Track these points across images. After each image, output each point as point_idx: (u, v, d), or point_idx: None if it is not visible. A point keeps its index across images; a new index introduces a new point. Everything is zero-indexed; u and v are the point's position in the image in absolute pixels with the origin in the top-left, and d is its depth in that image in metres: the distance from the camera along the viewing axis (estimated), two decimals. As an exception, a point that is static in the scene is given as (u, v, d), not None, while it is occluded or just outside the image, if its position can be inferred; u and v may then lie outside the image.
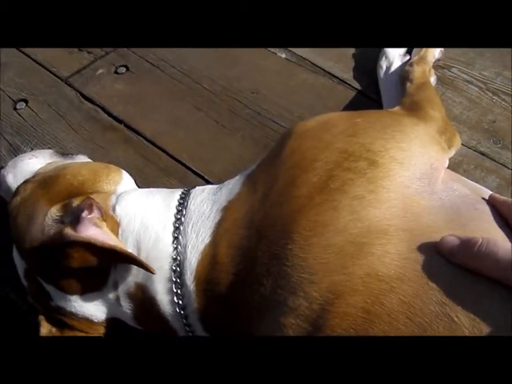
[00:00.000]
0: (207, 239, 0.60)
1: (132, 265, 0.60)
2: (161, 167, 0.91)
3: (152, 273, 0.58)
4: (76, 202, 0.63)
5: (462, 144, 0.87)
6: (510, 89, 0.95)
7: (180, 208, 0.63)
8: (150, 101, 1.01)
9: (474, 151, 0.88)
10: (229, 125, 0.95)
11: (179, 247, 0.60)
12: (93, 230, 0.58)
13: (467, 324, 0.46)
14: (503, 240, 0.51)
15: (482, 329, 0.46)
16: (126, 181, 0.71)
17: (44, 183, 0.68)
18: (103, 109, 1.00)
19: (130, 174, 0.75)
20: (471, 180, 0.65)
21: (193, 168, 0.90)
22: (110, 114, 0.99)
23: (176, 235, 0.61)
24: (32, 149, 0.85)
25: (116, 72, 1.06)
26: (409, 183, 0.56)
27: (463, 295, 0.48)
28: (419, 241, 0.51)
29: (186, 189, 0.67)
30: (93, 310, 0.65)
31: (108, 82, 1.04)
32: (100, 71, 1.07)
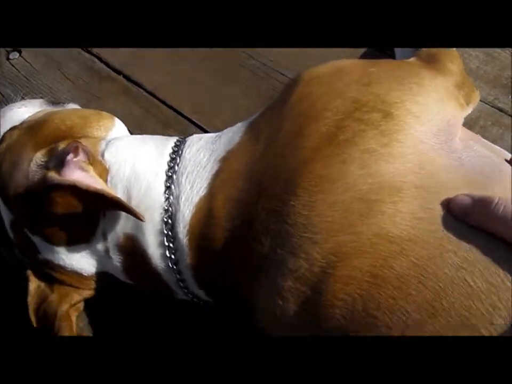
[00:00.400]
0: (202, 191, 0.56)
1: (121, 214, 0.57)
2: (161, 119, 0.87)
3: (141, 220, 0.55)
4: (61, 146, 0.59)
5: (480, 100, 0.82)
6: (530, 44, 0.90)
7: (174, 156, 0.60)
8: (151, 52, 0.95)
9: (492, 107, 0.83)
10: (233, 77, 0.91)
11: (171, 197, 0.57)
12: (78, 174, 0.55)
13: (484, 289, 0.43)
14: None
15: (499, 295, 0.42)
16: (118, 128, 0.68)
17: (30, 129, 0.65)
18: (100, 59, 0.96)
19: (129, 126, 0.72)
20: (489, 137, 0.62)
21: (195, 121, 0.86)
22: (108, 65, 0.95)
23: (168, 184, 0.57)
24: (23, 98, 0.82)
25: (115, 22, 1.01)
26: (425, 139, 0.52)
27: (481, 259, 0.44)
28: (434, 200, 0.47)
29: (182, 137, 0.63)
30: (82, 263, 0.62)
31: (107, 33, 1.00)
32: (99, 20, 1.02)
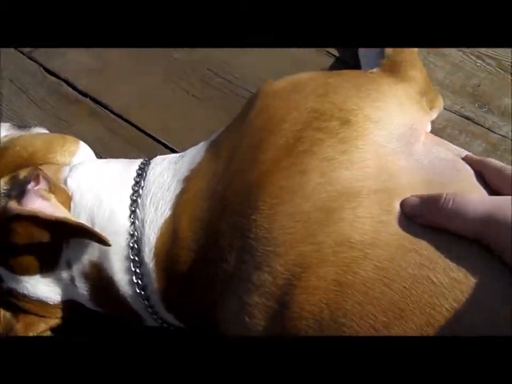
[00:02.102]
0: (166, 213, 0.56)
1: (86, 243, 0.56)
2: (129, 140, 0.87)
3: (107, 245, 0.54)
4: (22, 174, 0.59)
5: (446, 109, 0.84)
6: (494, 53, 0.92)
7: (138, 179, 0.59)
8: (117, 73, 0.96)
9: (459, 115, 0.84)
10: (200, 95, 0.91)
11: (136, 221, 0.56)
12: (39, 203, 0.54)
13: (447, 284, 0.43)
14: (474, 194, 0.49)
15: (462, 289, 0.43)
16: (82, 152, 0.67)
17: None
18: (67, 82, 0.95)
19: (97, 148, 0.72)
20: (456, 145, 0.61)
21: (162, 140, 0.86)
22: (74, 88, 0.95)
23: (133, 209, 0.57)
24: (-11, 124, 0.81)
25: (81, 44, 1.01)
26: (385, 143, 0.52)
27: (442, 256, 0.45)
28: (394, 202, 0.48)
29: (146, 159, 0.63)
30: (47, 291, 0.61)
31: (73, 55, 0.99)
32: (65, 43, 1.02)
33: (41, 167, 0.59)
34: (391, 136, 0.53)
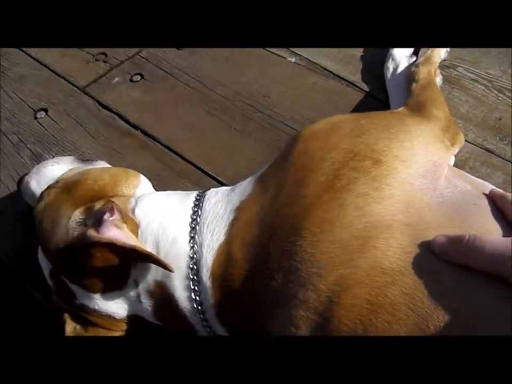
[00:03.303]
0: (221, 238, 0.63)
1: (151, 264, 0.64)
2: (177, 171, 0.94)
3: (170, 271, 0.61)
4: (97, 205, 0.66)
5: (469, 142, 0.89)
6: (515, 87, 0.96)
7: (196, 209, 0.67)
8: (165, 108, 1.04)
9: (481, 148, 0.89)
10: (241, 129, 0.98)
11: (195, 246, 0.64)
12: (114, 231, 0.61)
13: (465, 314, 0.49)
14: (491, 234, 0.54)
15: (479, 318, 0.48)
16: (143, 184, 0.75)
17: (66, 188, 0.71)
18: (119, 116, 1.04)
19: (148, 177, 0.78)
20: (477, 177, 0.67)
21: (208, 171, 0.93)
22: (126, 121, 1.03)
23: (192, 235, 0.64)
24: (53, 156, 0.89)
25: (131, 80, 1.10)
26: (412, 180, 0.59)
27: (461, 287, 0.50)
28: (420, 236, 0.54)
29: (201, 191, 0.71)
30: (115, 307, 0.68)
31: (124, 90, 1.08)
32: (116, 79, 1.11)
33: (112, 199, 0.66)
34: (417, 174, 0.60)
